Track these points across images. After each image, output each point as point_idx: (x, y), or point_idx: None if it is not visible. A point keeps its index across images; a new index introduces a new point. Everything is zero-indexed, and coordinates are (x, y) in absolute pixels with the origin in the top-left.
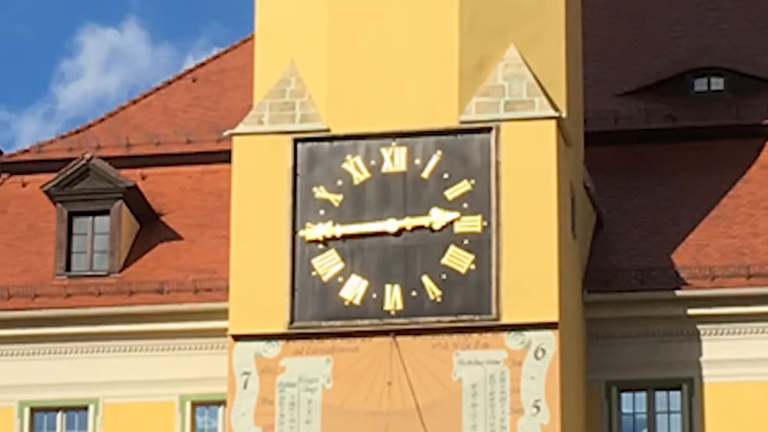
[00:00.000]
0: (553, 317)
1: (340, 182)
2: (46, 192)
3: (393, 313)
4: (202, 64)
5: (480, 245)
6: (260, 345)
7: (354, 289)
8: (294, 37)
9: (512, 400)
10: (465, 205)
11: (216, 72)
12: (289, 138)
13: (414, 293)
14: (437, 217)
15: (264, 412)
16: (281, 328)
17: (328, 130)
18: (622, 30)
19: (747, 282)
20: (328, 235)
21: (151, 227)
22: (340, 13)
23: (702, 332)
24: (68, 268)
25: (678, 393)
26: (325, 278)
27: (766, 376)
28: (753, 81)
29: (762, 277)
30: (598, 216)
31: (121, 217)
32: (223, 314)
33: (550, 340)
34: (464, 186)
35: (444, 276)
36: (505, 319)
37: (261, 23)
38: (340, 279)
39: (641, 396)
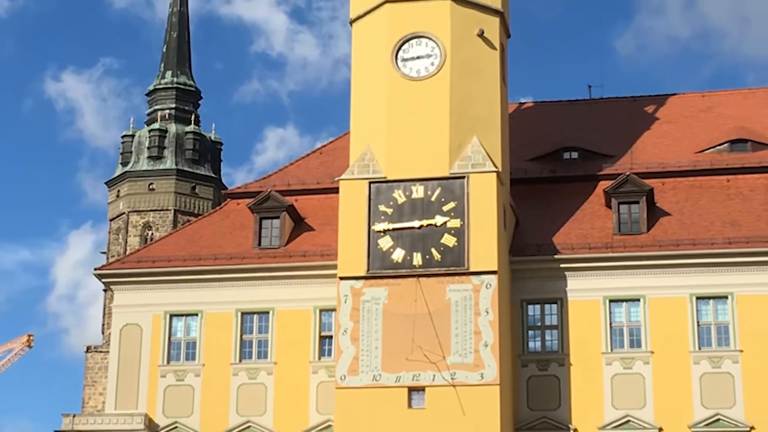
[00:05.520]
0: (495, 268)
1: (391, 202)
2: (249, 208)
3: (417, 266)
4: (324, 146)
5: (460, 234)
6: (353, 282)
7: (398, 255)
8: (369, 132)
9: (475, 309)
10: (452, 214)
11: (331, 149)
12: (366, 182)
13: (427, 257)
14: (438, 220)
15: (354, 315)
16: (363, 273)
17: (385, 178)
18: (529, 127)
19: (589, 251)
20: (386, 229)
21: (299, 225)
22: (393, 122)
23: (567, 276)
24: (259, 244)
25: (555, 305)
26: (384, 249)
27: (597, 297)
28: (591, 154)
29: (596, 248)
30: (516, 220)
31: (285, 221)
32: (335, 267)
33: (493, 279)
34: (452, 204)
35: (442, 248)
36: (472, 269)
37: (354, 126)
38: (392, 250)
39: (537, 307)
